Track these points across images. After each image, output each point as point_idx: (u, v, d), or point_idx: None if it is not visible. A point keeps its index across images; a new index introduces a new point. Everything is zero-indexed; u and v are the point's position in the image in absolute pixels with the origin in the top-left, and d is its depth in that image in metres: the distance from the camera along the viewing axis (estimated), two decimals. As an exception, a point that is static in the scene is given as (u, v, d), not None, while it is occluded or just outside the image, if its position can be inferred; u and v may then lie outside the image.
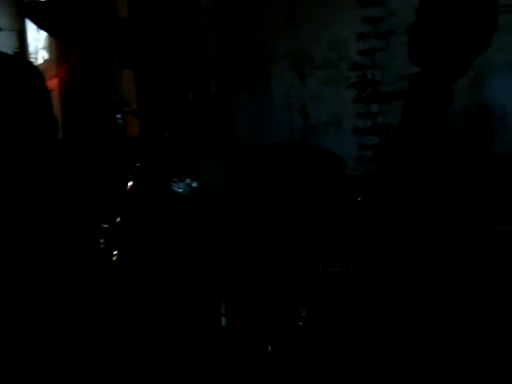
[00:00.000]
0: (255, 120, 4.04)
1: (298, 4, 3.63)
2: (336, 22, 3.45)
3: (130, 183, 1.87)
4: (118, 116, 1.91)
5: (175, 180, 1.83)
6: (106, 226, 1.83)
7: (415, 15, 2.06)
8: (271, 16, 3.82)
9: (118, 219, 1.82)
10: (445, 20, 1.90)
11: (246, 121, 4.11)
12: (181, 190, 1.83)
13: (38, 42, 6.40)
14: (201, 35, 3.94)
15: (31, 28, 6.46)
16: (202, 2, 4.01)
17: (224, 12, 4.16)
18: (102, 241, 1.83)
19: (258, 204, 1.95)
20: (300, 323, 1.66)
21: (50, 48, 6.05)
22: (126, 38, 1.88)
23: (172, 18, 3.86)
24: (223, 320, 1.72)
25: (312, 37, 3.61)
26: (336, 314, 1.72)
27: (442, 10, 1.92)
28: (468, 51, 1.88)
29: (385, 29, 3.28)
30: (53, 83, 5.58)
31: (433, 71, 1.95)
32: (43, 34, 6.16)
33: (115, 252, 1.79)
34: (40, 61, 6.27)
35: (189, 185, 1.85)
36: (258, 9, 3.88)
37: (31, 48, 6.61)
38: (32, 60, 6.27)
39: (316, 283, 1.73)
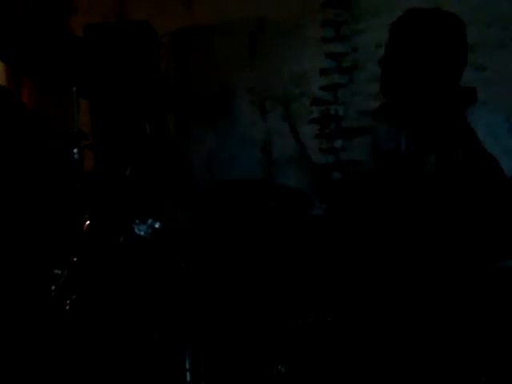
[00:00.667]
0: (215, 156, 3.94)
1: (259, 37, 3.58)
2: (299, 56, 3.41)
3: (86, 224, 1.73)
4: (75, 151, 1.76)
5: (137, 221, 1.70)
6: (57, 271, 1.67)
7: (385, 49, 2.01)
8: (232, 48, 3.74)
9: (72, 264, 1.66)
10: (414, 55, 1.86)
11: (205, 156, 4.00)
12: (142, 233, 1.69)
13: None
14: (158, 68, 3.82)
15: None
16: (159, 33, 3.90)
17: (182, 44, 4.07)
18: (53, 288, 1.66)
19: (224, 248, 1.85)
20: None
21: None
22: (83, 64, 1.75)
23: (129, 51, 3.73)
24: (188, 375, 1.57)
25: (274, 71, 3.55)
26: (315, 368, 1.61)
27: (412, 46, 1.87)
28: (438, 84, 1.83)
29: (347, 64, 3.25)
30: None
31: (404, 103, 1.89)
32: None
33: (68, 300, 1.62)
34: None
35: (151, 226, 1.71)
36: (219, 41, 3.81)
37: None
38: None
39: (295, 337, 1.61)
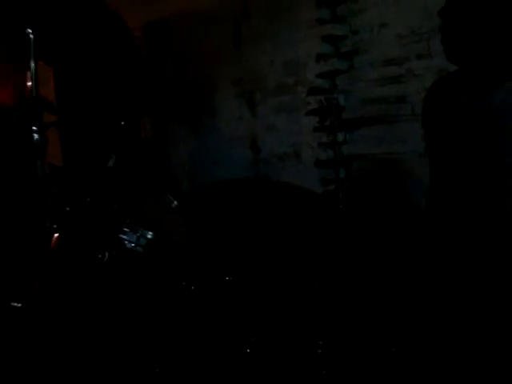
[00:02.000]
0: (198, 157, 3.55)
1: (245, 22, 3.21)
2: (291, 41, 3.05)
3: (55, 236, 1.32)
4: (35, 128, 1.33)
5: (125, 230, 1.31)
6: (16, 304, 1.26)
7: (442, 16, 1.67)
8: (214, 38, 3.38)
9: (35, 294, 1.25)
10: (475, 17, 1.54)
11: (186, 157, 3.61)
12: (133, 245, 1.31)
13: None
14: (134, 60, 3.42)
15: None
16: (130, 27, 3.51)
17: (157, 37, 3.69)
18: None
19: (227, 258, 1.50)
20: None
21: None
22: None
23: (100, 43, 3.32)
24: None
25: (263, 60, 3.19)
26: None
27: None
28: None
29: (347, 48, 2.91)
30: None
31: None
32: None
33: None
34: None
35: (143, 237, 1.33)
36: (200, 29, 3.44)
37: None
38: None
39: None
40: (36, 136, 1.26)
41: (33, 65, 1.44)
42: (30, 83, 1.44)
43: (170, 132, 3.72)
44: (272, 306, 1.50)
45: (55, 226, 1.32)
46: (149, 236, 1.35)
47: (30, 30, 1.36)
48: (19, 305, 1.23)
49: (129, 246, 1.32)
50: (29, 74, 1.46)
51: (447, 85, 1.80)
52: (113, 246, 1.31)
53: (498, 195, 1.54)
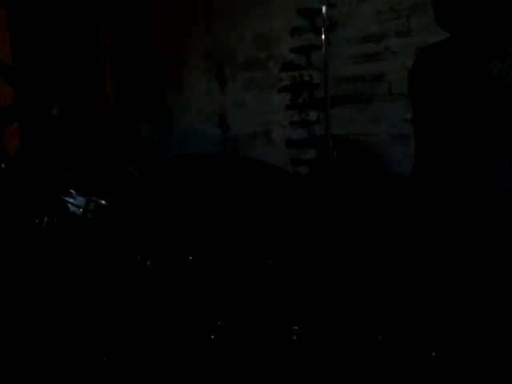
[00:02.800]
0: (165, 134, 3.38)
1: (217, -5, 3.05)
2: (264, 14, 2.90)
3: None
4: None
5: (71, 192, 1.13)
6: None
7: None
8: (184, 9, 3.20)
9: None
10: None
11: (152, 135, 3.44)
12: (81, 210, 1.13)
13: None
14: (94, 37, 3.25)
15: None
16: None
17: (123, 8, 3.50)
18: None
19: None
20: None
21: None
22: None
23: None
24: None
25: (234, 33, 3.03)
26: None
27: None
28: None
29: (323, 22, 2.76)
30: None
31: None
32: None
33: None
34: None
35: (93, 202, 1.16)
36: (168, 4, 3.26)
37: None
38: None
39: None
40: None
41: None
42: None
43: (135, 107, 3.54)
44: (240, 288, 1.36)
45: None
46: (102, 203, 1.19)
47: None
48: None
49: (73, 210, 1.15)
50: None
51: (438, 53, 1.67)
52: (54, 210, 1.14)
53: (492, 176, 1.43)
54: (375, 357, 1.28)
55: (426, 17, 2.48)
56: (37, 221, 1.10)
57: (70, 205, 1.13)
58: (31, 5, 2.47)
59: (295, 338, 1.23)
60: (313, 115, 2.82)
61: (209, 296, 1.32)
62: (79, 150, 1.45)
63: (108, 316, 1.19)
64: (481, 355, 1.24)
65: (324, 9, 2.53)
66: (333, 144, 2.48)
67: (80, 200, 1.15)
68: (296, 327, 1.23)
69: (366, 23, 2.64)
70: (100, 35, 3.45)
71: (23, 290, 1.14)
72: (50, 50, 2.74)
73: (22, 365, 1.18)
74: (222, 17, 3.08)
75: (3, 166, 1.14)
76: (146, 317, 1.22)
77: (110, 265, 1.20)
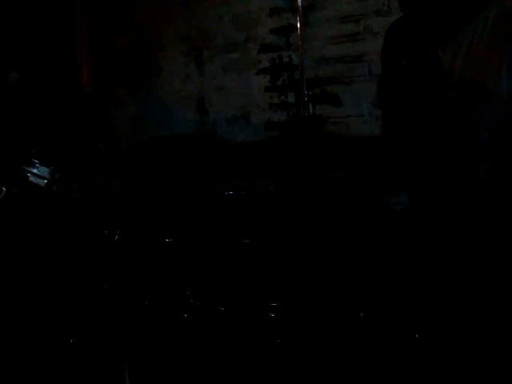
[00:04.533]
0: (141, 118, 3.31)
1: (194, -26, 2.99)
2: (242, -6, 2.84)
3: None
4: None
5: (34, 161, 1.07)
6: None
7: None
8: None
9: None
10: None
11: (129, 119, 3.36)
12: (45, 181, 1.07)
13: None
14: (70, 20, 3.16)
15: None
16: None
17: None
18: None
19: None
20: None
21: None
22: None
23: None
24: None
25: (212, 14, 2.97)
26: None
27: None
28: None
29: (302, 3, 2.71)
30: None
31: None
32: None
33: None
34: None
35: (58, 172, 1.09)
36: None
37: None
38: None
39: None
40: None
41: None
42: None
43: (111, 91, 3.46)
44: (214, 264, 1.32)
45: None
46: (67, 173, 1.13)
47: None
48: None
49: (36, 180, 1.09)
50: None
51: (402, 32, 1.61)
52: (14, 180, 1.07)
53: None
54: (356, 335, 1.24)
55: (406, -5, 2.45)
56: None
57: (32, 175, 1.07)
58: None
59: (273, 315, 1.19)
60: (292, 97, 2.77)
61: (181, 274, 1.28)
62: (49, 128, 1.39)
63: (72, 293, 1.14)
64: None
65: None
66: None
67: (43, 170, 1.09)
68: (274, 304, 1.19)
69: (344, 3, 2.60)
70: (76, 18, 3.37)
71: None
72: (21, 29, 2.66)
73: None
74: (200, -2, 3.02)
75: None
76: (114, 294, 1.17)
77: (76, 238, 1.14)
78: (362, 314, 1.22)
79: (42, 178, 1.12)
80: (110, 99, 3.43)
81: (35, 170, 1.11)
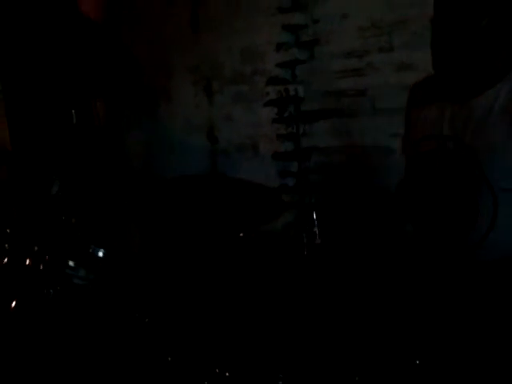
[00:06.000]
0: (154, 146, 3.43)
1: (203, 6, 3.10)
2: (250, 29, 2.95)
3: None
4: None
5: (72, 265, 1.17)
6: None
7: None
8: (172, 20, 3.24)
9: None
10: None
11: (142, 147, 3.48)
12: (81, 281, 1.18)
13: None
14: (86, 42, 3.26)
15: None
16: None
17: (111, 15, 3.51)
18: None
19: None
20: None
21: None
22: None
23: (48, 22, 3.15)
24: None
25: (221, 46, 3.08)
26: None
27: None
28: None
29: (308, 38, 2.83)
30: None
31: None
32: None
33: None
34: None
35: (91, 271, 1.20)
36: (156, 11, 3.29)
37: None
38: None
39: None
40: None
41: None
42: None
43: (125, 118, 3.58)
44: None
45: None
46: (100, 254, 1.24)
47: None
48: None
49: (76, 281, 1.21)
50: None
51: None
52: (58, 281, 1.19)
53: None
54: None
55: (407, 34, 2.56)
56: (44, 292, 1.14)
57: (71, 276, 1.18)
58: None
59: None
60: (299, 128, 2.88)
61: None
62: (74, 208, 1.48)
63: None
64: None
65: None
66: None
67: (80, 271, 1.19)
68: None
69: (348, 39, 2.71)
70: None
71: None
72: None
73: None
74: (209, 30, 3.13)
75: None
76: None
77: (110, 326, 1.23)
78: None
79: (78, 278, 1.22)
80: (123, 126, 3.55)
81: (73, 272, 1.21)
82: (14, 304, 1.18)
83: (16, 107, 3.08)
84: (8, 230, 1.18)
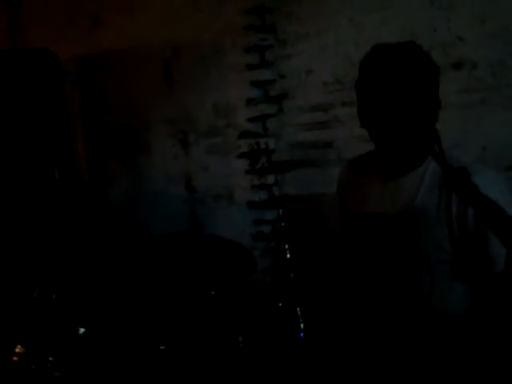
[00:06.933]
0: (134, 193, 3.55)
1: (175, 63, 3.24)
2: (221, 85, 3.10)
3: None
4: None
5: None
6: None
7: (355, 86, 1.73)
8: (146, 77, 3.39)
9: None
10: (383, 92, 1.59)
11: (123, 194, 3.60)
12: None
13: None
14: (63, 102, 3.39)
15: None
16: (62, 60, 3.46)
17: (90, 72, 3.66)
18: None
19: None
20: None
21: None
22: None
23: (27, 83, 3.27)
24: None
25: (194, 101, 3.22)
26: None
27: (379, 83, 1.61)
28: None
29: (276, 92, 2.98)
30: None
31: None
32: None
33: None
34: None
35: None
36: (131, 68, 3.44)
37: None
38: None
39: None
40: None
41: None
42: None
43: (107, 170, 3.70)
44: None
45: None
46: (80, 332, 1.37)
47: None
48: None
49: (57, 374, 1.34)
50: None
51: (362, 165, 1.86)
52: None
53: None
54: None
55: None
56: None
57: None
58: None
59: None
60: (271, 178, 3.01)
61: None
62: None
63: None
64: None
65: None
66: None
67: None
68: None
69: (314, 93, 2.85)
70: (69, 98, 3.58)
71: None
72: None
73: None
74: (183, 86, 3.28)
75: None
76: None
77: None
78: None
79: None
80: (105, 177, 3.66)
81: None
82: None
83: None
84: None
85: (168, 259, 2.23)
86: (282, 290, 2.77)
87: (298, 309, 2.31)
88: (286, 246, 2.68)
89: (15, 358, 1.35)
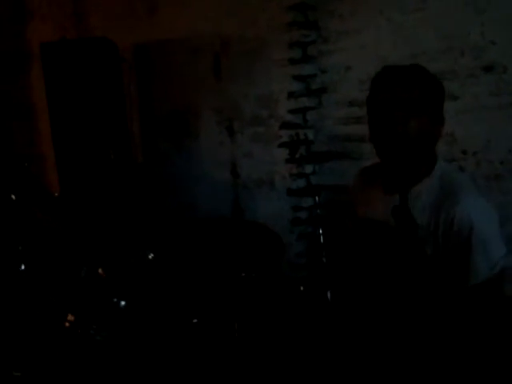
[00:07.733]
0: (181, 175, 3.80)
1: (224, 56, 3.44)
2: (265, 78, 3.28)
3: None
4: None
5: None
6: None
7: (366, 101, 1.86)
8: (197, 67, 3.60)
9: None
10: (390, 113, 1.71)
11: (173, 178, 3.86)
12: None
13: None
14: (120, 87, 3.66)
15: None
16: (120, 47, 3.72)
17: (145, 59, 3.90)
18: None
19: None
20: None
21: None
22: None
23: (89, 69, 3.55)
24: None
25: (240, 92, 3.42)
26: None
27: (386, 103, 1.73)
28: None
29: (316, 86, 3.14)
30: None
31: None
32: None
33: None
34: None
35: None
36: (183, 58, 3.66)
37: None
38: None
39: None
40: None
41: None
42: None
43: (160, 152, 3.95)
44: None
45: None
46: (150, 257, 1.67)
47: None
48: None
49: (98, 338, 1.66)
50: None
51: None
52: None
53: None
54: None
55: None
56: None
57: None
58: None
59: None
60: (309, 168, 3.20)
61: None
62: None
63: None
64: None
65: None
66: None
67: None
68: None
69: (351, 89, 3.00)
70: (126, 84, 3.83)
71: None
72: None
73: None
74: (229, 77, 3.47)
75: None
76: None
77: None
78: None
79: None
80: (157, 157, 3.93)
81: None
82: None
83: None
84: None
85: (208, 243, 2.47)
86: (315, 273, 3.00)
87: (328, 292, 2.53)
88: (321, 231, 2.88)
89: (67, 324, 1.66)
